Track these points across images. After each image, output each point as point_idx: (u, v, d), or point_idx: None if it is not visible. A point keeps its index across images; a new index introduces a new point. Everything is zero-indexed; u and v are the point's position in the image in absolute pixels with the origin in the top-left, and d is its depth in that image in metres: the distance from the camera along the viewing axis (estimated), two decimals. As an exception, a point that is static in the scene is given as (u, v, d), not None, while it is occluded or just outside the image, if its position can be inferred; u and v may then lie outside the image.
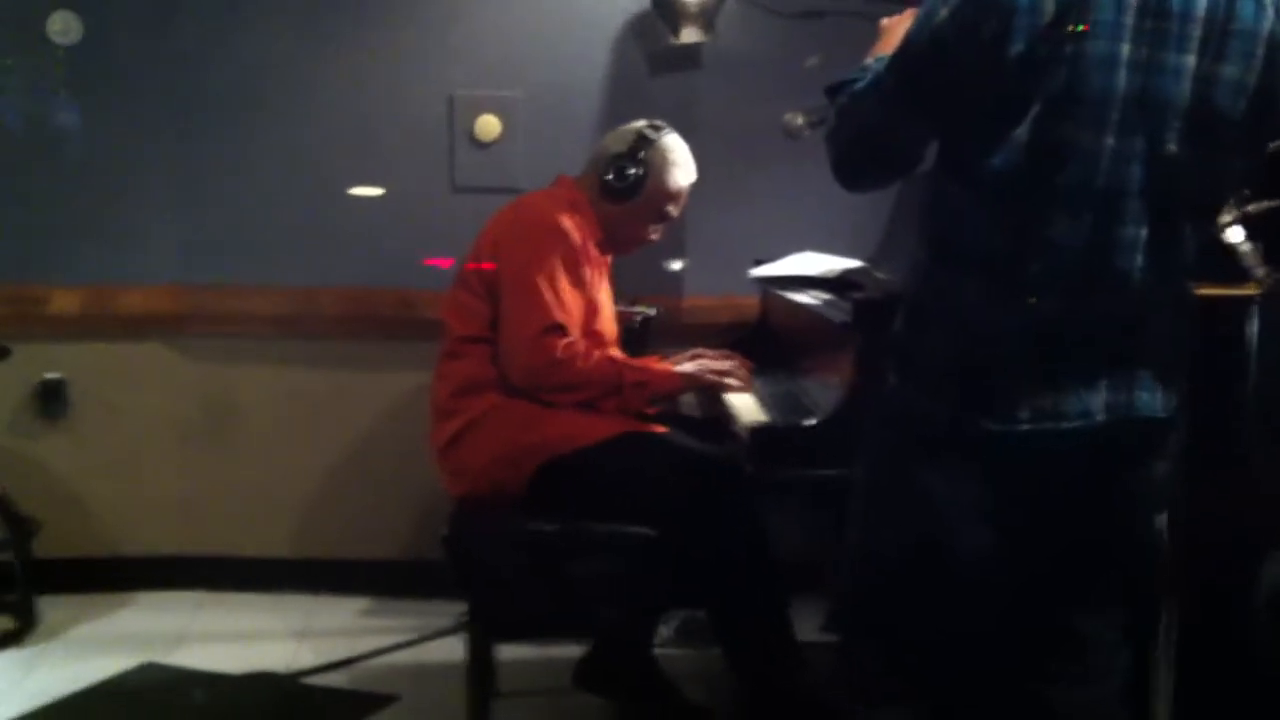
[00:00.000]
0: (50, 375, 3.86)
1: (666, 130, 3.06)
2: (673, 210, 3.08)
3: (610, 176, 2.99)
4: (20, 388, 3.86)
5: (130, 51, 3.75)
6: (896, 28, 1.91)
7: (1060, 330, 1.69)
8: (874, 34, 2.02)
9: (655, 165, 3.00)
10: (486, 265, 2.90)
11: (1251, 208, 2.15)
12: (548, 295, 2.82)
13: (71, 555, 3.86)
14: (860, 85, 1.76)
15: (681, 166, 3.05)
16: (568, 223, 2.91)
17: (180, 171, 3.81)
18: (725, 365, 2.98)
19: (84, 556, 3.90)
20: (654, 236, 3.13)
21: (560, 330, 2.83)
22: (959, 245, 1.72)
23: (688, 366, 3.01)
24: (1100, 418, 1.70)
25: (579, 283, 2.90)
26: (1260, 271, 2.13)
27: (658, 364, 3.02)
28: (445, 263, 3.68)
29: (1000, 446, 1.71)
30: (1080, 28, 1.58)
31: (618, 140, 3.05)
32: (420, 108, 3.82)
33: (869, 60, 1.83)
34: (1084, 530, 1.82)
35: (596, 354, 2.88)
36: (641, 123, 3.07)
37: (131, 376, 3.91)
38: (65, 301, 3.83)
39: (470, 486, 2.85)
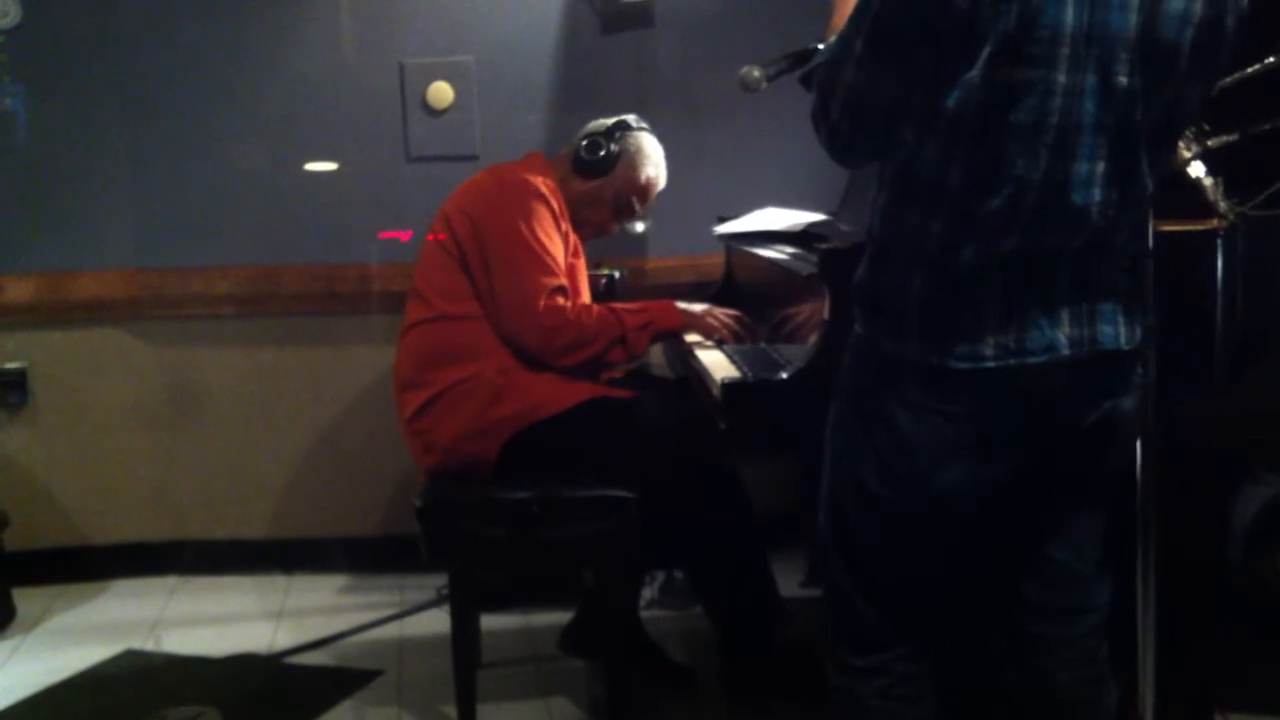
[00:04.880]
0: (9, 365, 3.81)
1: (648, 129, 3.10)
2: (638, 206, 3.10)
3: (584, 150, 3.02)
4: (-22, 380, 3.81)
5: (72, 33, 3.69)
6: None
7: (1020, 266, 1.69)
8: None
9: (629, 151, 3.05)
10: (458, 229, 2.88)
11: (1212, 142, 2.17)
12: (545, 258, 2.83)
13: (42, 547, 3.83)
14: (831, 57, 1.75)
15: (654, 164, 3.09)
16: (543, 187, 2.91)
17: (130, 153, 3.76)
18: (729, 314, 2.97)
19: (55, 547, 3.87)
20: (613, 228, 3.14)
21: (563, 291, 2.84)
22: (917, 185, 1.72)
23: (694, 307, 3.00)
24: (1065, 352, 1.72)
25: (563, 240, 2.91)
26: (1223, 205, 2.15)
27: (651, 303, 2.99)
28: (404, 235, 3.66)
29: (967, 385, 1.72)
30: None
31: (597, 124, 3.09)
32: (371, 77, 3.78)
33: (830, 38, 1.82)
34: (1056, 465, 1.83)
35: (596, 308, 2.89)
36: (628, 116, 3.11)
37: (92, 363, 3.87)
38: (18, 290, 3.77)
39: (441, 459, 2.84)
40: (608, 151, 3.02)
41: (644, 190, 3.09)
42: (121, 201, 3.78)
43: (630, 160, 3.05)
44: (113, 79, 3.72)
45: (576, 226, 3.08)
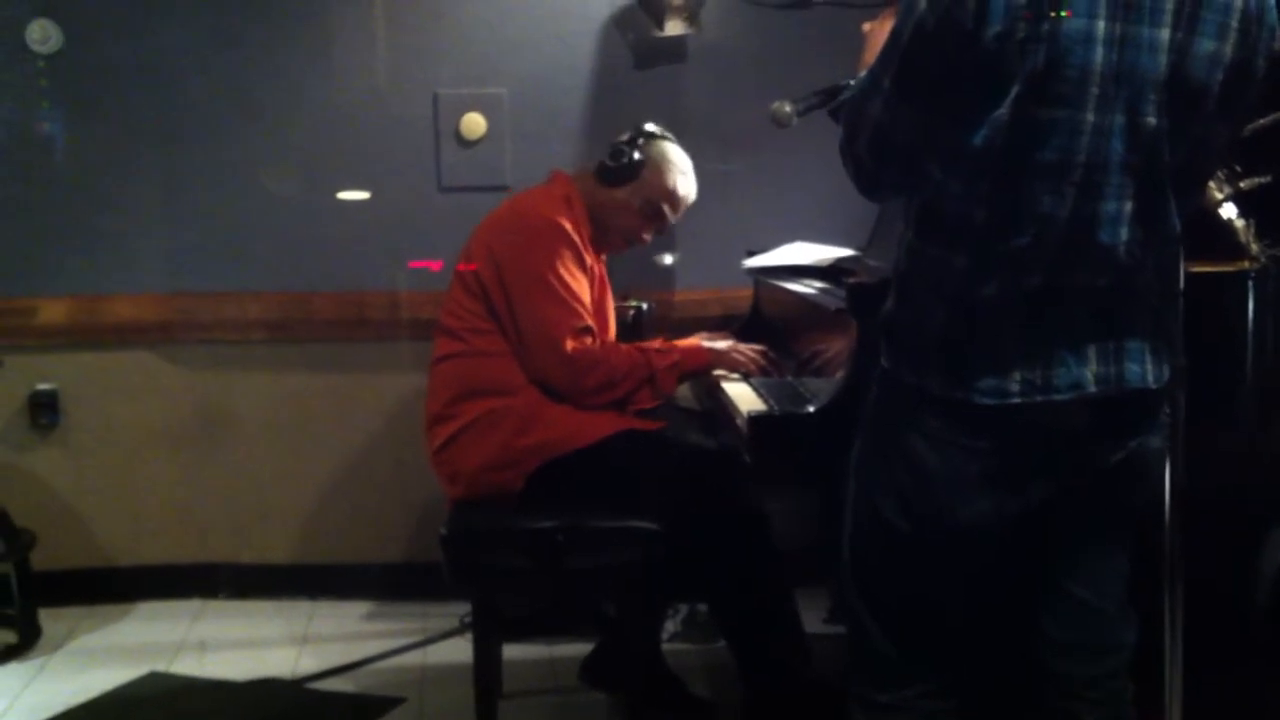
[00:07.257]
0: (41, 386, 3.84)
1: (672, 138, 3.08)
2: (669, 212, 3.06)
3: (608, 158, 3.00)
4: (11, 400, 3.85)
5: (111, 59, 3.74)
6: (879, 31, 1.92)
7: (1045, 303, 1.69)
8: (860, 31, 2.04)
9: (654, 158, 3.01)
10: (481, 266, 2.88)
11: (1244, 184, 2.17)
12: (569, 299, 2.82)
13: (69, 567, 3.85)
14: (859, 92, 1.76)
15: (682, 171, 3.05)
16: (566, 222, 2.89)
17: (165, 178, 3.80)
18: (754, 349, 2.97)
19: (82, 568, 3.89)
20: (646, 237, 3.11)
21: (589, 331, 2.84)
22: (942, 220, 1.73)
23: (718, 344, 2.98)
24: (1092, 390, 1.71)
25: (586, 276, 2.90)
26: (1255, 247, 2.14)
27: (678, 343, 2.99)
28: (435, 265, 3.68)
29: (990, 420, 1.72)
30: (1063, 13, 1.58)
31: (620, 134, 3.07)
32: (405, 107, 3.81)
33: (861, 72, 1.83)
34: (1077, 501, 1.83)
35: (624, 347, 2.88)
36: (647, 124, 3.10)
37: (123, 386, 3.90)
38: (52, 312, 3.81)
39: (467, 489, 2.84)
40: (631, 158, 2.99)
41: (673, 196, 3.04)
42: (155, 226, 3.82)
43: (656, 166, 3.01)
44: (150, 105, 3.76)
45: (608, 238, 3.05)
